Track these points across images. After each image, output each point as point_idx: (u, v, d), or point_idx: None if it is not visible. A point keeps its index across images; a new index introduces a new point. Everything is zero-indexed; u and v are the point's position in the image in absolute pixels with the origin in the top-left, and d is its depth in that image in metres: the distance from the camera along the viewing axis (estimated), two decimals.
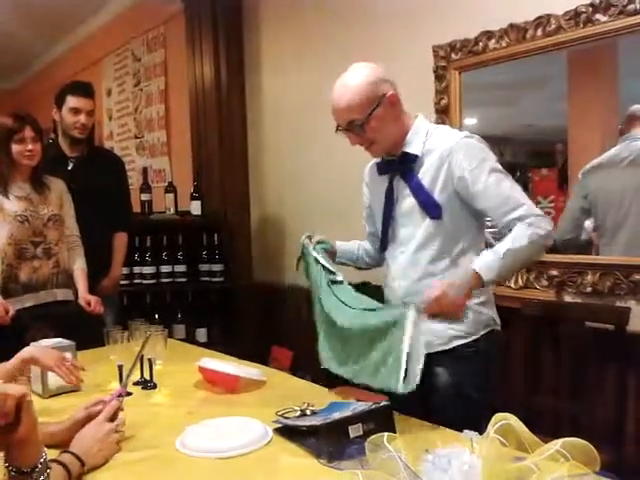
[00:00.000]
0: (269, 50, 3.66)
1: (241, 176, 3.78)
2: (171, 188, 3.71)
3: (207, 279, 3.52)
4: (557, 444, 1.02)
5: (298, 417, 1.40)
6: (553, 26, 2.20)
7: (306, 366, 3.03)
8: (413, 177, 1.64)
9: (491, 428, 1.08)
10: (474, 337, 1.63)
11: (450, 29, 2.52)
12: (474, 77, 2.47)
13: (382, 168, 1.75)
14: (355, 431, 1.24)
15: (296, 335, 3.29)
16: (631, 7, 2.00)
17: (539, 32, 2.24)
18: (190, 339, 3.25)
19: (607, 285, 2.12)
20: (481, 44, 2.42)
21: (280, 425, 1.36)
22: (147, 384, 1.78)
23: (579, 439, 1.02)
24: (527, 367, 2.23)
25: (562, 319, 2.16)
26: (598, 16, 2.08)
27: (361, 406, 1.33)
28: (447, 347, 1.63)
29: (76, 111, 2.77)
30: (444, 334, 1.63)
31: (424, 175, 1.63)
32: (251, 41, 3.76)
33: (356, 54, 2.95)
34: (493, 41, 2.38)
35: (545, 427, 1.91)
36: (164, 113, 4.59)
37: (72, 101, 2.77)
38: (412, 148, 1.65)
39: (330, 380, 2.52)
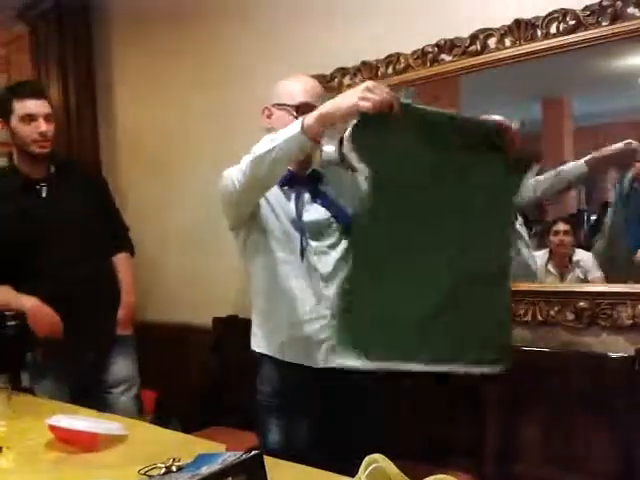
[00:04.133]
0: (122, 75, 3.54)
1: None
2: None
3: None
4: None
5: (163, 475, 1.31)
6: (402, 64, 2.32)
7: (172, 407, 2.90)
8: None
9: (362, 473, 1.08)
10: None
11: (304, 68, 2.56)
12: None
13: None
14: None
15: (160, 374, 3.14)
16: (472, 48, 2.15)
17: (390, 70, 2.35)
18: None
19: None
20: (336, 80, 2.49)
21: None
22: None
23: (447, 476, 1.05)
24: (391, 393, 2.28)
25: None
26: (443, 56, 2.23)
27: (231, 457, 1.27)
28: None
29: (30, 118, 2.18)
30: None
31: None
32: (102, 66, 3.61)
33: (205, 80, 2.96)
34: (347, 78, 2.47)
35: (414, 453, 1.98)
36: (6, 139, 4.25)
37: (22, 106, 2.17)
38: None
39: (200, 421, 2.43)
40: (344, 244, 1.70)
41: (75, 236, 2.24)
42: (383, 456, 1.09)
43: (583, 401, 1.95)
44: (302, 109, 1.66)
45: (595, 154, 2.01)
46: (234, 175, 1.59)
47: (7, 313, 3.13)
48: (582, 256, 2.17)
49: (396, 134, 1.43)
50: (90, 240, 2.29)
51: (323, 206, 1.72)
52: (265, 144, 1.52)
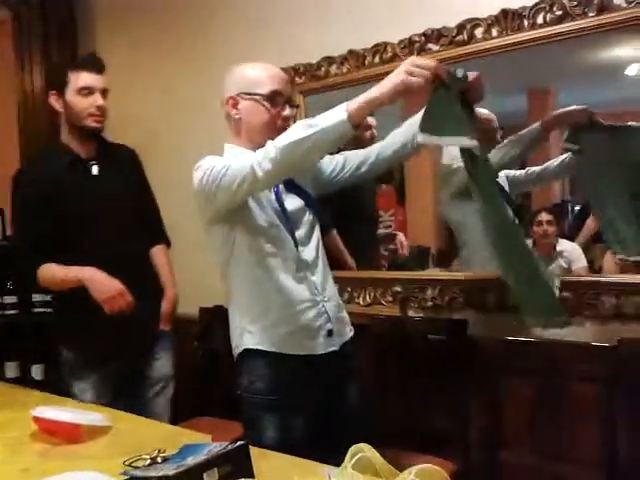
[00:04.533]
0: (106, 64, 3.46)
1: None
2: None
3: (42, 310, 3.23)
4: (411, 472, 1.04)
5: (148, 466, 1.30)
6: (389, 54, 2.31)
7: None
8: None
9: (348, 462, 1.08)
10: None
11: (294, 53, 2.55)
12: (318, 101, 2.52)
13: None
14: (211, 477, 1.18)
15: None
16: (459, 38, 2.15)
17: (377, 59, 2.34)
18: (24, 377, 2.98)
19: (445, 299, 2.25)
20: (323, 69, 2.48)
21: (128, 477, 1.26)
22: None
23: (431, 465, 1.05)
24: (376, 382, 2.29)
25: (406, 333, 2.26)
26: (430, 45, 2.22)
27: (216, 447, 1.27)
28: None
29: (88, 91, 2.06)
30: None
31: None
32: (87, 52, 3.54)
33: (206, 66, 2.94)
34: (334, 67, 2.46)
35: (399, 440, 1.99)
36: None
37: (81, 78, 2.06)
38: None
39: (186, 411, 2.42)
40: (317, 231, 1.73)
41: (123, 217, 2.16)
42: (369, 445, 1.10)
43: (567, 390, 1.97)
44: (274, 98, 1.64)
45: (550, 114, 2.03)
46: (254, 162, 1.47)
47: (37, 299, 3.17)
48: (566, 246, 2.19)
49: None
50: (136, 223, 2.21)
51: (297, 195, 1.71)
52: (299, 130, 1.44)
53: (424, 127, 1.46)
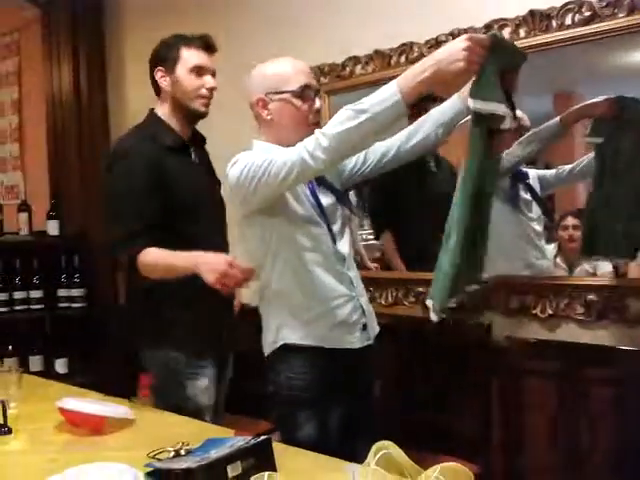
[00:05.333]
0: (133, 59, 3.52)
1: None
2: (25, 206, 3.43)
3: (66, 305, 3.29)
4: (436, 470, 1.04)
5: (172, 459, 1.32)
6: (416, 54, 2.30)
7: None
8: None
9: (372, 459, 1.08)
10: None
11: (319, 53, 2.56)
12: (343, 100, 2.51)
13: None
14: (234, 470, 1.19)
15: None
16: None
17: (403, 59, 2.34)
18: (48, 371, 3.02)
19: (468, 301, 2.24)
20: (348, 69, 2.49)
21: (152, 469, 1.28)
22: (0, 429, 1.60)
23: (456, 463, 1.05)
24: (396, 383, 2.29)
25: (428, 334, 2.25)
26: None
27: (239, 441, 1.28)
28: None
29: (200, 70, 1.91)
30: None
31: None
32: (113, 50, 3.60)
33: (229, 65, 2.96)
34: (359, 67, 2.46)
35: (420, 441, 1.98)
36: (17, 124, 4.27)
37: (195, 56, 1.91)
38: None
39: None
40: (349, 227, 1.76)
41: (215, 208, 1.98)
42: (392, 443, 1.10)
43: (590, 393, 1.95)
44: (303, 93, 1.63)
45: (570, 109, 2.03)
46: (303, 153, 1.44)
47: (62, 294, 3.19)
48: None
49: None
50: (223, 217, 2.03)
51: (330, 191, 1.71)
52: (350, 116, 1.39)
53: (472, 93, 1.40)
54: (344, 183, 1.80)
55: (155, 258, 1.76)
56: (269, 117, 1.66)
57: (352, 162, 1.77)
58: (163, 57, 1.93)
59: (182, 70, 1.90)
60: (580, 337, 2.03)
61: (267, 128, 1.69)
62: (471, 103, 1.39)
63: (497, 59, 1.38)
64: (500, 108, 1.38)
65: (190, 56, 1.90)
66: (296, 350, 1.63)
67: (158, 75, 1.94)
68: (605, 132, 1.84)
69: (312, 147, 1.44)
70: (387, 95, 1.36)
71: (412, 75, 1.36)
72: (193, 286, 1.67)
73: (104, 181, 1.94)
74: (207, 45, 1.95)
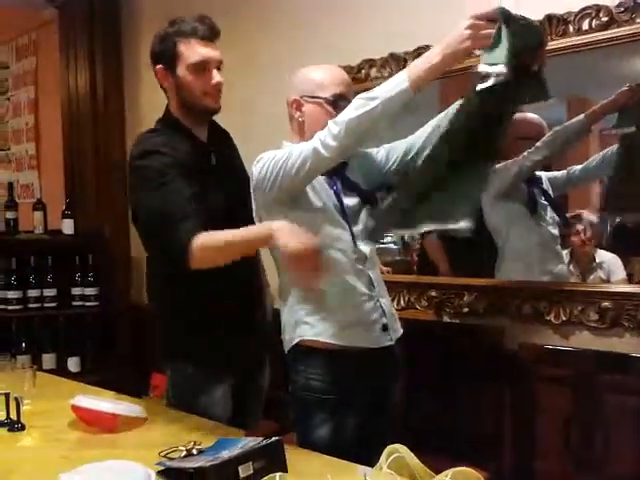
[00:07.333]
0: (149, 59, 3.54)
1: (119, 192, 3.36)
2: (40, 205, 3.46)
3: (80, 304, 3.31)
4: (447, 474, 1.04)
5: (184, 458, 1.32)
6: None
7: None
8: None
9: (384, 462, 1.08)
10: None
11: (334, 55, 2.55)
12: None
13: None
14: (245, 470, 1.19)
15: None
16: None
17: None
18: (61, 369, 3.04)
19: (481, 306, 2.23)
20: (363, 71, 2.49)
21: (164, 468, 1.28)
22: (14, 426, 1.62)
23: (467, 468, 1.05)
24: (409, 387, 2.28)
25: (441, 338, 2.24)
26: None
27: (251, 442, 1.29)
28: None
29: (203, 67, 1.72)
30: None
31: None
32: (130, 50, 3.63)
33: (244, 71, 2.97)
34: (374, 69, 2.46)
35: (432, 445, 1.97)
36: (34, 124, 4.32)
37: (194, 50, 1.70)
38: None
39: None
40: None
41: (239, 216, 1.71)
42: (404, 446, 1.10)
43: (603, 401, 1.93)
44: (336, 102, 1.65)
45: (594, 106, 2.03)
46: (315, 143, 1.49)
47: (75, 293, 3.21)
48: (605, 257, 2.15)
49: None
50: (245, 215, 1.73)
51: (354, 192, 1.73)
52: (360, 104, 1.45)
53: (483, 59, 1.43)
54: (372, 183, 1.79)
55: (216, 238, 1.58)
56: (301, 119, 1.70)
57: (376, 161, 1.79)
58: (160, 53, 1.76)
59: (183, 69, 1.72)
60: (594, 344, 2.01)
61: (298, 129, 1.72)
62: (480, 67, 1.43)
63: (511, 31, 1.39)
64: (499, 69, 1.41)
65: (189, 52, 1.71)
66: (314, 352, 1.64)
67: (160, 75, 1.78)
68: (634, 120, 1.83)
69: (324, 136, 1.49)
70: (397, 83, 1.43)
71: (421, 63, 1.44)
72: (221, 299, 1.73)
73: (131, 181, 1.78)
74: (206, 32, 1.74)
